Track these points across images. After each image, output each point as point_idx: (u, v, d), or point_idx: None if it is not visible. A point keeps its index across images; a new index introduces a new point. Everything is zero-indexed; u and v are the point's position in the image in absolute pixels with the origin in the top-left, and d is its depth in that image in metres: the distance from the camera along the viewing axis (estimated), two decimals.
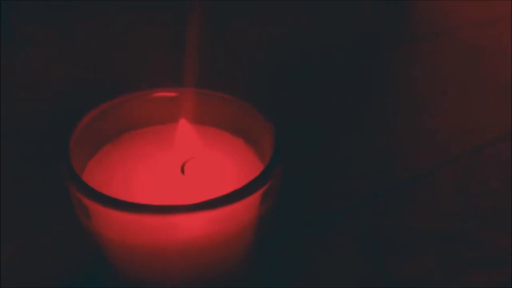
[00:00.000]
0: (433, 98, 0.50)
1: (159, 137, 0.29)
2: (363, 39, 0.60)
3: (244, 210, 0.24)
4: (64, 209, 0.26)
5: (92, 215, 0.24)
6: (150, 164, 0.28)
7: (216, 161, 0.28)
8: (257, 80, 0.51)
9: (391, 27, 0.63)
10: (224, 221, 0.24)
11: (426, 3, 0.69)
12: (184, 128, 0.28)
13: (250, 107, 0.28)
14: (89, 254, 0.30)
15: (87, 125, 0.27)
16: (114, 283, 0.27)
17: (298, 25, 0.62)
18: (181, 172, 0.27)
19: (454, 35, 0.60)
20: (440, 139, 0.45)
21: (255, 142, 0.29)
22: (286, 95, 0.49)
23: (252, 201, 0.24)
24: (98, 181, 0.26)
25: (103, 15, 0.61)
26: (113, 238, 0.25)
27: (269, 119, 0.28)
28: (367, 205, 0.38)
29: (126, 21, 0.60)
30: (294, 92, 0.50)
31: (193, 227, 0.24)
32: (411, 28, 0.63)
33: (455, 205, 0.38)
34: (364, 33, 0.61)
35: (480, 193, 0.39)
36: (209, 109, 0.29)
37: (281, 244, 0.34)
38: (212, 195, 0.23)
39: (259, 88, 0.48)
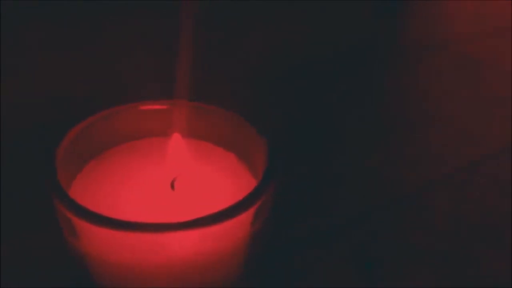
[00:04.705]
0: (429, 112, 0.50)
1: (149, 151, 0.29)
2: (360, 52, 0.59)
3: (237, 228, 0.24)
4: None
5: (79, 232, 0.24)
6: (140, 179, 0.27)
7: (208, 177, 0.28)
8: (250, 87, 0.51)
9: (388, 39, 0.63)
10: (216, 239, 0.23)
11: (423, 16, 0.68)
12: (176, 142, 0.27)
13: (242, 120, 0.28)
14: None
15: (73, 139, 0.26)
16: None
17: (292, 32, 0.62)
18: (171, 188, 0.26)
19: (451, 48, 0.60)
20: (437, 154, 0.44)
21: (247, 156, 0.28)
22: (278, 103, 0.49)
23: (244, 218, 0.23)
24: (86, 197, 0.25)
25: (92, 20, 0.61)
26: (100, 256, 0.24)
27: (262, 132, 0.27)
28: (362, 221, 0.37)
29: (116, 25, 0.60)
30: (286, 99, 0.50)
31: (183, 246, 0.23)
32: (408, 41, 0.63)
33: (452, 222, 0.38)
34: (361, 46, 0.61)
35: (477, 209, 0.39)
36: (200, 122, 0.29)
37: (273, 261, 0.34)
38: (203, 212, 0.23)
39: (251, 96, 0.47)
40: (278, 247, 0.35)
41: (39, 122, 0.44)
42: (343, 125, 0.47)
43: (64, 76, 0.51)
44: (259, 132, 0.27)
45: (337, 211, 0.38)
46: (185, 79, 0.26)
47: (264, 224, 0.25)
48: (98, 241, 0.23)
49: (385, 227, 0.37)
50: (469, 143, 0.45)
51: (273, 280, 0.33)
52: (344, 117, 0.48)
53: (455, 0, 0.72)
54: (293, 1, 0.68)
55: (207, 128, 0.29)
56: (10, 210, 0.35)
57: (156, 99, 0.29)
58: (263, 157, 0.26)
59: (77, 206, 0.23)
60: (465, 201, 0.39)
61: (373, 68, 0.56)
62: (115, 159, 0.28)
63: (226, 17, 0.62)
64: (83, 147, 0.27)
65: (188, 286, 0.25)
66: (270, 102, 0.48)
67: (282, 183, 0.26)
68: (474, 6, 0.70)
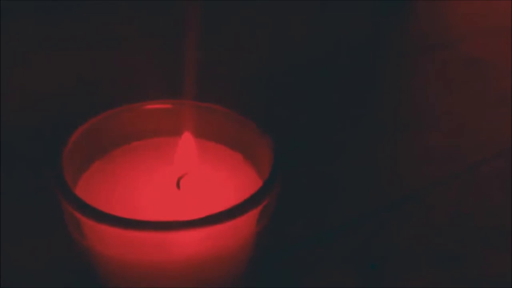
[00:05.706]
0: (431, 112, 0.50)
1: (155, 151, 0.29)
2: (360, 52, 0.59)
3: (241, 227, 0.24)
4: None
5: (85, 230, 0.24)
6: (146, 178, 0.27)
7: (213, 176, 0.28)
8: (250, 87, 0.51)
9: (388, 39, 0.63)
10: (220, 238, 0.23)
11: (424, 17, 0.68)
12: (186, 142, 0.27)
13: (248, 121, 0.28)
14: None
15: (80, 137, 0.26)
16: None
17: (292, 32, 0.62)
18: (176, 187, 0.26)
19: (452, 48, 0.60)
20: (437, 153, 0.44)
21: (253, 157, 0.28)
22: (279, 103, 0.49)
23: (249, 218, 0.23)
24: (91, 196, 0.25)
25: (98, 19, 0.61)
26: (106, 253, 0.24)
27: (268, 134, 0.27)
28: (362, 221, 0.37)
29: (121, 24, 0.60)
30: (287, 99, 0.50)
31: (189, 244, 0.23)
32: (411, 42, 0.63)
33: (452, 222, 0.38)
34: (361, 46, 0.61)
35: (477, 209, 0.39)
36: (207, 122, 0.29)
37: (275, 261, 0.34)
38: (209, 211, 0.23)
39: (251, 96, 0.48)
40: (278, 247, 0.35)
41: (41, 122, 0.44)
42: (343, 125, 0.47)
43: (66, 76, 0.51)
44: (264, 132, 0.27)
45: (337, 211, 0.38)
46: (190, 80, 0.26)
47: (268, 223, 0.25)
48: (104, 240, 0.23)
49: (385, 227, 0.37)
50: (469, 143, 0.45)
51: (273, 280, 0.33)
52: (344, 117, 0.48)
53: (456, 0, 0.72)
54: (293, 1, 0.68)
55: (212, 128, 0.29)
56: (10, 210, 0.35)
57: (161, 99, 0.29)
58: (268, 156, 0.26)
59: (84, 204, 0.23)
60: (465, 201, 0.39)
61: (373, 68, 0.56)
62: (120, 159, 0.28)
63: (227, 17, 0.62)
64: (89, 146, 0.27)
65: (193, 284, 0.25)
66: (271, 102, 0.49)
67: (282, 183, 0.26)
68: (474, 6, 0.70)
